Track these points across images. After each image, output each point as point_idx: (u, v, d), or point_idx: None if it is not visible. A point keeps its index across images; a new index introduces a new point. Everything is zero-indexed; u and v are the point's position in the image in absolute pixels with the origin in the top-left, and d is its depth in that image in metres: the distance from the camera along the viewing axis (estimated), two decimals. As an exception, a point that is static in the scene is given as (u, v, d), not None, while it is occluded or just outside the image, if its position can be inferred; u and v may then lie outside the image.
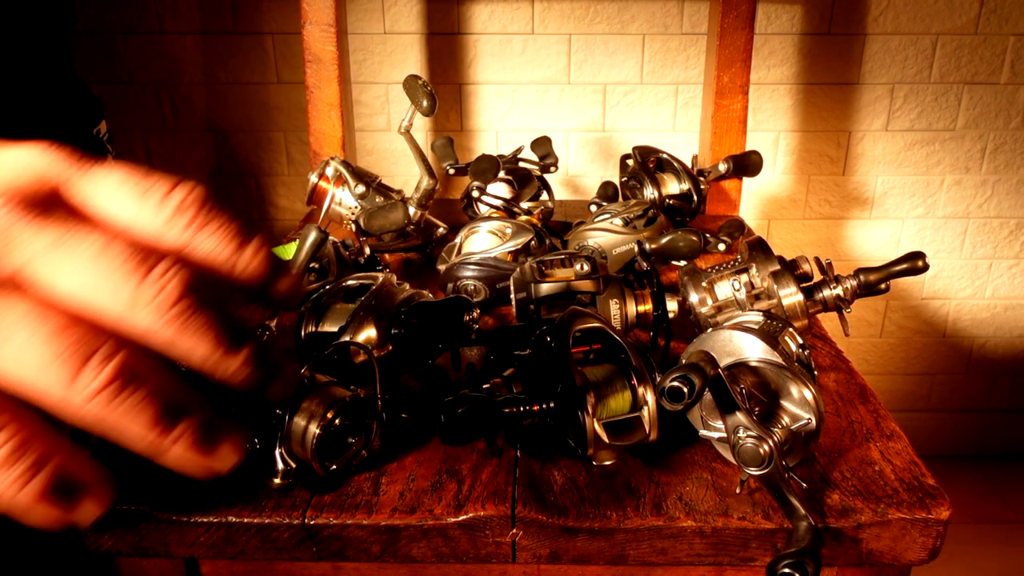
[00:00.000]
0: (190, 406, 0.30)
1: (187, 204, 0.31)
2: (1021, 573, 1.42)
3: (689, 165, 1.05)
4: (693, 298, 0.69)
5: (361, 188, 0.93)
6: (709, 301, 0.68)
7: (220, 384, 0.31)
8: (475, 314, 0.64)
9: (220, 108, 1.44)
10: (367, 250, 0.83)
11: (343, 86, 1.13)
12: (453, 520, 0.52)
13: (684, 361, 0.50)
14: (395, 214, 0.89)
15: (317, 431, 0.52)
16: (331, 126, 1.14)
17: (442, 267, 0.83)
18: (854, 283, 0.67)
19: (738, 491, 0.54)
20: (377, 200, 0.93)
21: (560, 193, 1.43)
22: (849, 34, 1.39)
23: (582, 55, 1.40)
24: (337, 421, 0.53)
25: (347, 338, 0.65)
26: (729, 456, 0.55)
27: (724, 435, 0.52)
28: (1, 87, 0.78)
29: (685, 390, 0.46)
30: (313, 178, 0.95)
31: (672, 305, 0.69)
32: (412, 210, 0.91)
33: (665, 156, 1.05)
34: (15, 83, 0.81)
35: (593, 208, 1.00)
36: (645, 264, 0.73)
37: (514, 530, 0.52)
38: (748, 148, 1.13)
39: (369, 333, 0.66)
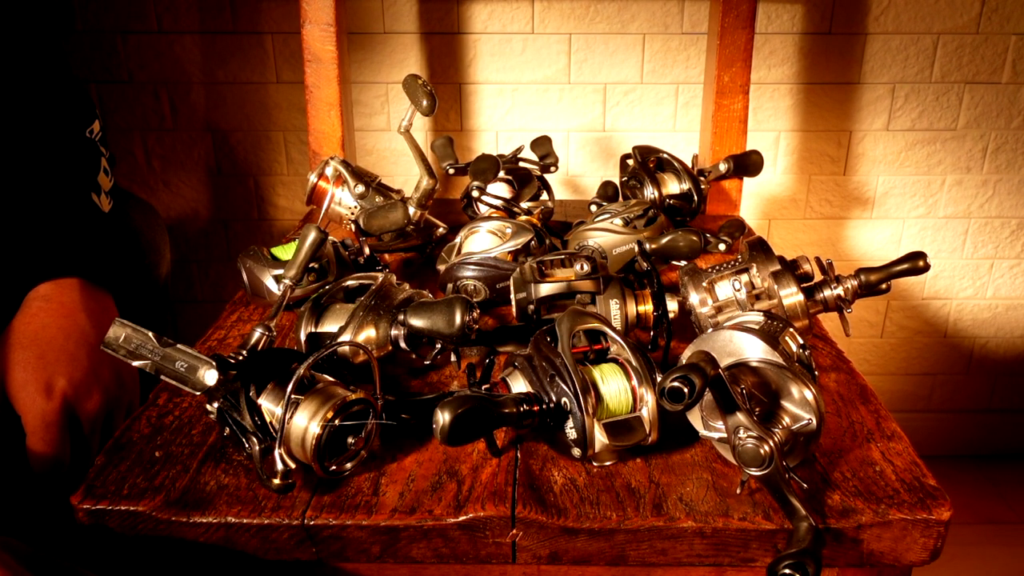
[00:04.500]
0: None
1: None
2: (1022, 574, 1.42)
3: (689, 165, 1.05)
4: (693, 298, 0.69)
5: (361, 188, 0.93)
6: (709, 301, 0.68)
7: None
8: (475, 314, 0.64)
9: (219, 108, 1.44)
10: (367, 250, 0.83)
11: (342, 86, 1.13)
12: (453, 521, 0.52)
13: (684, 361, 0.50)
14: (395, 214, 0.89)
15: (317, 431, 0.52)
16: (330, 126, 1.14)
17: (442, 267, 0.83)
18: (855, 283, 0.67)
19: (738, 492, 0.54)
20: (377, 200, 0.93)
21: (560, 193, 1.43)
22: (850, 33, 1.39)
23: (582, 55, 1.39)
24: (337, 421, 0.53)
25: (347, 338, 0.65)
26: (729, 456, 0.55)
27: (724, 435, 0.52)
28: None
29: (685, 390, 0.46)
30: (313, 178, 0.95)
31: (672, 305, 0.69)
32: (412, 210, 0.91)
33: (665, 156, 1.05)
34: (6, 83, 0.81)
35: (593, 208, 1.00)
36: (645, 264, 0.73)
37: (514, 531, 0.52)
38: (748, 148, 1.13)
39: (369, 333, 0.66)
